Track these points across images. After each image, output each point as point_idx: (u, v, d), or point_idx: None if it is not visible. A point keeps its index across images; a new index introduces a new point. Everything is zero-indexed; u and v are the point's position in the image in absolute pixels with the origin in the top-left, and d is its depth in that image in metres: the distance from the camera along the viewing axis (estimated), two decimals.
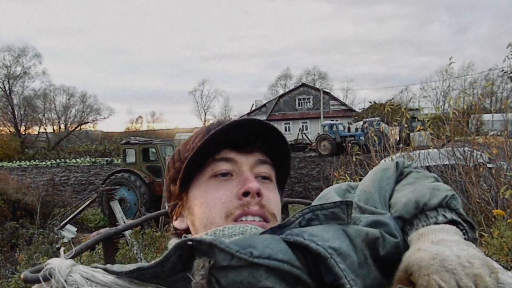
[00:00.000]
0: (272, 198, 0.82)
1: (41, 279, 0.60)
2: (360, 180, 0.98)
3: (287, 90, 53.23)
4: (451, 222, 0.74)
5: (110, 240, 1.63)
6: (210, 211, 0.78)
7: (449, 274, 0.58)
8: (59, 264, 0.62)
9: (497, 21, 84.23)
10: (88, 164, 34.18)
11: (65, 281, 0.60)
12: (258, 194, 0.78)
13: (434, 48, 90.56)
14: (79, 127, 54.25)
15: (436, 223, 0.74)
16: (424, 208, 0.77)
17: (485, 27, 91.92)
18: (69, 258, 0.64)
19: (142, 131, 62.55)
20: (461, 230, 0.73)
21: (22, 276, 0.62)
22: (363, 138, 23.98)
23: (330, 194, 0.93)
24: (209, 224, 0.77)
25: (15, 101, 49.30)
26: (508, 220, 3.60)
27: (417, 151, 5.32)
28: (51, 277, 0.60)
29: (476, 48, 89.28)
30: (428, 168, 5.08)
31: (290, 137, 42.14)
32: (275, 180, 0.88)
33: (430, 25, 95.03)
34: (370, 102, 42.83)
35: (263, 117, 46.41)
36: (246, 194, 0.78)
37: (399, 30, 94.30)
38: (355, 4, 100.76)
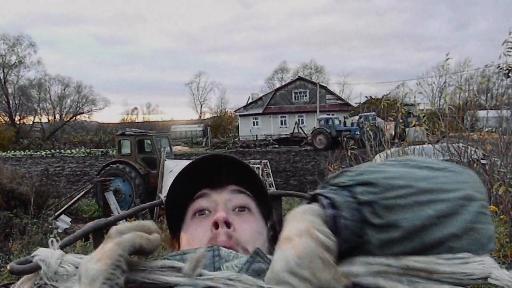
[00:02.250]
0: (247, 229, 0.82)
1: (30, 269, 0.60)
2: None
3: (283, 84, 53.16)
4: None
5: (100, 231, 1.62)
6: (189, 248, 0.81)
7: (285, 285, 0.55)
8: (48, 254, 0.62)
9: (497, 17, 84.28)
10: (83, 155, 34.08)
11: (56, 272, 0.60)
12: (228, 224, 0.79)
13: (433, 43, 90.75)
14: (74, 118, 54.06)
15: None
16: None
17: (486, 23, 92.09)
18: (58, 249, 0.64)
19: (138, 122, 62.42)
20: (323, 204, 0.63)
21: (8, 267, 0.62)
22: (358, 133, 24.06)
23: None
24: None
25: (10, 91, 49.04)
26: (501, 216, 3.64)
27: (412, 146, 5.35)
28: (41, 268, 0.60)
29: (476, 44, 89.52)
30: None
31: (286, 130, 42.15)
32: (258, 209, 0.90)
33: (430, 20, 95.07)
34: (366, 96, 42.88)
35: (259, 110, 46.39)
36: (216, 226, 0.79)
37: (399, 24, 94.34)
38: None
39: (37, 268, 0.60)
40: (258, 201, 0.91)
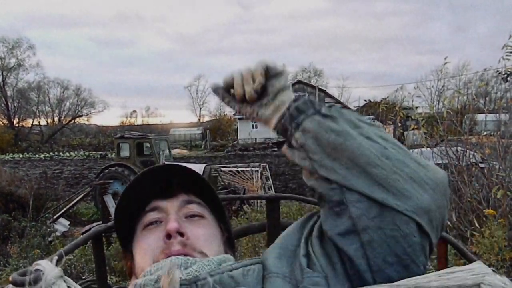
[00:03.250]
0: (201, 234, 0.82)
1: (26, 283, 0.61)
2: None
3: None
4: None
5: (100, 237, 1.62)
6: (142, 259, 0.81)
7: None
8: (47, 271, 0.62)
9: (497, 21, 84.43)
10: (82, 158, 34.00)
11: None
12: (181, 233, 0.79)
13: (432, 47, 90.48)
14: (73, 120, 53.97)
15: None
16: None
17: (485, 27, 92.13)
18: (58, 262, 0.65)
19: (137, 125, 62.37)
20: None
21: (10, 278, 0.63)
22: None
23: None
24: (141, 272, 0.78)
25: (8, 93, 48.98)
26: (499, 220, 3.64)
27: (411, 150, 5.35)
28: (36, 283, 0.61)
29: (475, 47, 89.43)
30: None
31: None
32: (211, 215, 0.90)
33: (430, 23, 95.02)
34: (365, 100, 42.94)
35: None
36: (169, 236, 0.79)
37: (398, 27, 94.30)
38: (354, 0, 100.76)
39: (33, 283, 0.61)
40: (210, 207, 0.91)
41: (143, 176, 0.88)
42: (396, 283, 0.60)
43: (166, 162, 11.38)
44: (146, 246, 0.81)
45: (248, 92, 0.79)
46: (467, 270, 0.61)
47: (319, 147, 0.70)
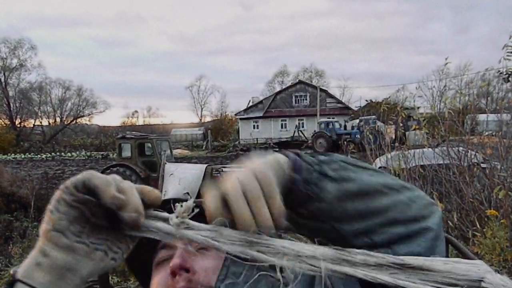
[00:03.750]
0: (210, 267, 0.80)
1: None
2: None
3: (284, 87, 53.20)
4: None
5: None
6: None
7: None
8: None
9: (499, 20, 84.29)
10: (84, 158, 34.09)
11: None
12: (187, 269, 0.78)
13: (434, 47, 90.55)
14: (74, 121, 54.08)
15: None
16: None
17: (487, 26, 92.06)
18: None
19: (138, 125, 62.49)
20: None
21: (11, 272, 0.63)
22: (359, 136, 24.05)
23: None
24: None
25: (10, 94, 49.13)
26: (501, 220, 3.63)
27: (412, 150, 5.35)
28: None
29: (477, 47, 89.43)
30: (422, 167, 5.11)
31: (287, 134, 42.14)
32: None
33: (432, 23, 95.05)
34: (366, 100, 42.96)
35: (259, 114, 46.41)
36: (174, 274, 0.78)
37: (400, 27, 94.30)
38: (354, 0, 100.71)
39: None
40: None
41: None
42: (401, 257, 0.61)
43: (167, 162, 11.39)
44: (156, 284, 0.83)
45: (267, 221, 0.59)
46: (472, 264, 0.61)
47: (347, 214, 0.67)
